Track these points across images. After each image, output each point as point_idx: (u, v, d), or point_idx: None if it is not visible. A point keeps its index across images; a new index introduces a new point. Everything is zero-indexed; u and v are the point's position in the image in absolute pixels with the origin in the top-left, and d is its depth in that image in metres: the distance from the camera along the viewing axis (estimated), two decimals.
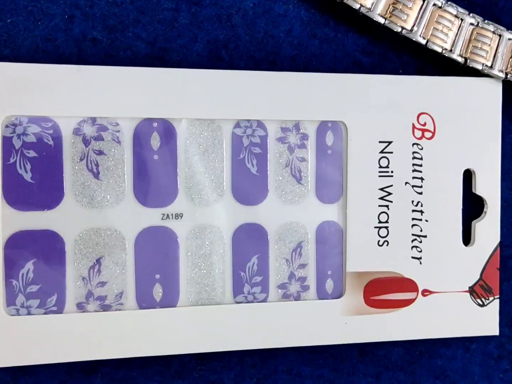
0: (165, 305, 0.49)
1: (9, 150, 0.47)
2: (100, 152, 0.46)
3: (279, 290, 0.51)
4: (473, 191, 0.52)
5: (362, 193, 0.51)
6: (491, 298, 0.51)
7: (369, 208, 0.51)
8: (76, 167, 0.47)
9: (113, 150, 0.47)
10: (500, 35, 0.49)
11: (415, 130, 0.52)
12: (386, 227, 0.51)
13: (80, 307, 0.47)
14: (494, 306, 0.52)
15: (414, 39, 0.49)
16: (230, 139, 0.48)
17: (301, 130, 0.50)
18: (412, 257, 0.52)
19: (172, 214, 0.48)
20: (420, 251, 0.51)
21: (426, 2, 0.47)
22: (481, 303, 0.51)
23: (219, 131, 0.48)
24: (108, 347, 0.47)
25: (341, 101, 0.50)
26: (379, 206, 0.51)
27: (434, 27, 0.49)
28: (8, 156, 0.50)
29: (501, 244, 0.52)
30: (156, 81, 0.46)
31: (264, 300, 0.51)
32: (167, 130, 0.48)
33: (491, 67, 0.49)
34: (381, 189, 0.51)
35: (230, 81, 0.47)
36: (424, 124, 0.50)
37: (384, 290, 0.51)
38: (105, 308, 0.47)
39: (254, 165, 0.49)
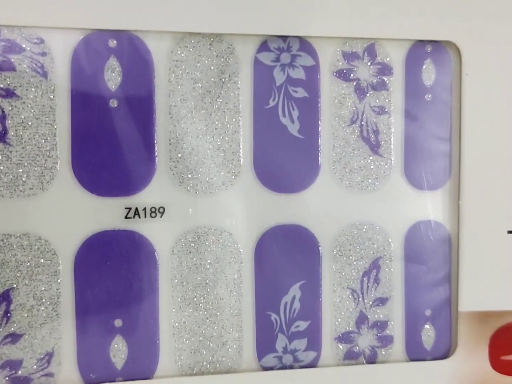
0: (133, 376, 0.33)
1: None
2: (8, 93, 0.32)
3: (340, 345, 0.36)
4: None
5: (487, 172, 0.37)
6: None
7: (500, 199, 0.36)
8: None
9: (33, 90, 0.28)
10: None
11: None
12: None
13: None
14: None
15: None
16: (251, 72, 0.34)
17: (379, 58, 0.32)
18: None
19: (144, 209, 0.33)
20: None
21: None
22: None
23: (232, 58, 0.34)
24: None
25: (450, 8, 0.35)
26: None
27: None
28: None
29: None
30: None
31: (313, 364, 0.38)
32: (136, 54, 0.33)
33: None
34: None
35: None
36: None
37: None
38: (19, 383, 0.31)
39: (294, 120, 0.35)
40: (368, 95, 0.37)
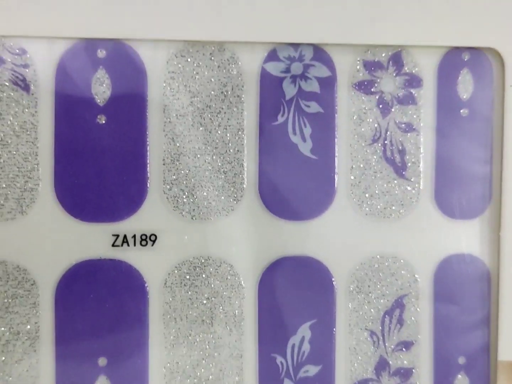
0: None
1: None
2: None
3: None
4: None
5: None
6: None
7: None
8: None
9: (14, 106, 0.29)
10: None
11: None
12: None
13: None
14: None
15: None
16: (258, 84, 0.32)
17: (406, 68, 0.29)
18: None
19: (133, 237, 0.31)
20: None
21: None
22: None
23: (235, 68, 0.32)
24: None
25: (490, 9, 0.33)
26: None
27: None
28: None
29: None
30: None
31: None
32: (127, 65, 0.32)
33: None
34: None
35: None
36: None
37: None
38: None
39: (306, 139, 0.33)
40: (393, 110, 0.33)
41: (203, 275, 0.32)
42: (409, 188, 0.33)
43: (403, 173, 0.33)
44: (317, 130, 0.33)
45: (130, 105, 0.32)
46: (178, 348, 0.32)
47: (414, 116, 0.33)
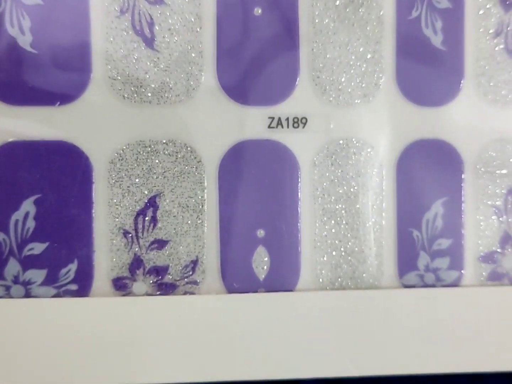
0: (275, 288, 0.35)
1: None
2: (156, 0, 0.33)
3: (483, 265, 0.36)
4: None
5: None
6: None
7: None
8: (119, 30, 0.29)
9: None
10: None
11: None
12: None
13: (119, 285, 0.30)
14: None
15: None
16: None
17: None
18: None
19: (287, 120, 0.34)
20: None
21: None
22: None
23: None
24: None
25: None
26: None
27: None
28: None
29: None
30: None
31: (455, 283, 0.37)
32: None
33: None
34: None
35: None
36: None
37: None
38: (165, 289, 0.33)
39: (437, 32, 0.36)
40: None
41: (348, 154, 0.35)
42: None
43: None
44: (446, 24, 0.36)
45: None
46: (326, 222, 0.36)
47: None
